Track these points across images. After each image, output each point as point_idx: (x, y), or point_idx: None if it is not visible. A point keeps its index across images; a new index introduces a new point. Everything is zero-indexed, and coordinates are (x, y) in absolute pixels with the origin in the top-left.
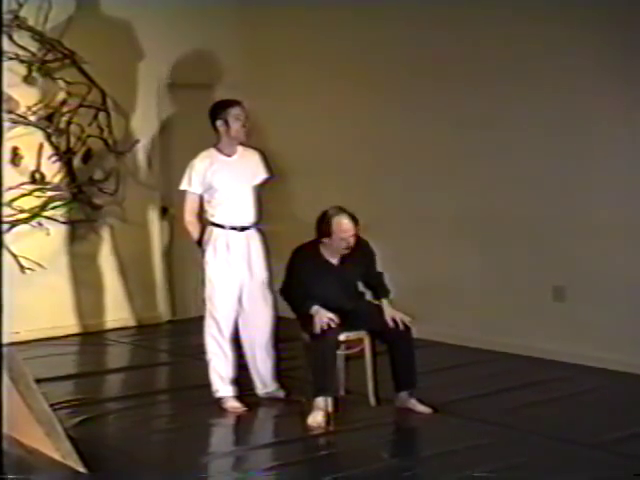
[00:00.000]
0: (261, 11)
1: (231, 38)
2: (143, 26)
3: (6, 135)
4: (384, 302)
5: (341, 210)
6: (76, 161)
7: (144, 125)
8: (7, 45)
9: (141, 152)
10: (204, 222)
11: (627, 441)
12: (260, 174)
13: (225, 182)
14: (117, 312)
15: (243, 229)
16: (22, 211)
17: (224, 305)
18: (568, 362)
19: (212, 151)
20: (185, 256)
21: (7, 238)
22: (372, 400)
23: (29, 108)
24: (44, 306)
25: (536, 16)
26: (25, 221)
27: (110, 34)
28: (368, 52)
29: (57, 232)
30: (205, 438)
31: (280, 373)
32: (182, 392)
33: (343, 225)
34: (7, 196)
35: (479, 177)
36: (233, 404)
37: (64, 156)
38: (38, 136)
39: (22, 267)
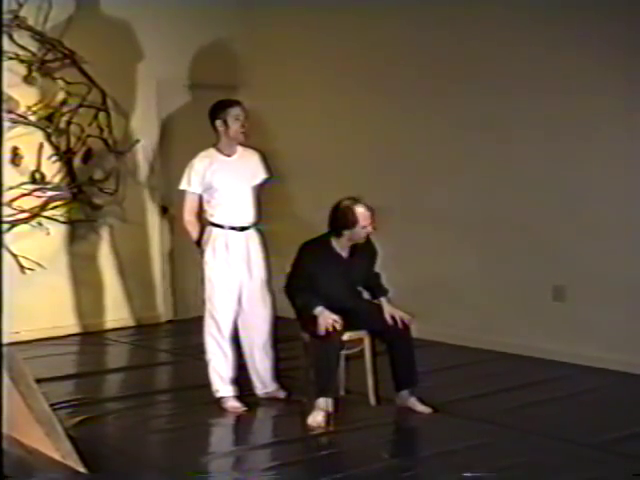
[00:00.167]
0: (262, 11)
1: (231, 38)
2: (143, 26)
3: (6, 135)
4: (383, 300)
5: (357, 200)
6: (76, 161)
7: (144, 125)
8: (7, 45)
9: (141, 152)
10: (203, 222)
11: (627, 441)
12: (259, 174)
13: (225, 182)
14: (117, 312)
15: (242, 229)
16: (22, 211)
17: (224, 305)
18: (568, 362)
19: (212, 151)
20: (185, 256)
21: (7, 238)
22: (372, 400)
23: (29, 108)
24: (44, 306)
25: (537, 16)
26: (25, 221)
27: (110, 34)
28: (369, 52)
29: (57, 232)
30: (205, 438)
31: (279, 373)
32: (182, 392)
33: (366, 214)
34: (7, 196)
35: (479, 177)
36: (233, 404)
37: (64, 156)
38: (38, 136)
39: (22, 267)
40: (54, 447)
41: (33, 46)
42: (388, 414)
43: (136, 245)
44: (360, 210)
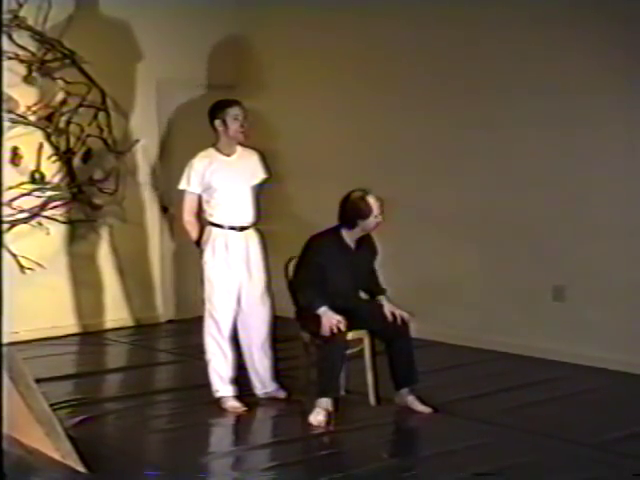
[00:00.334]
0: (262, 11)
1: (232, 38)
2: (143, 26)
3: (6, 135)
4: (383, 298)
5: (367, 191)
6: (76, 161)
7: (144, 125)
8: (7, 45)
9: (141, 152)
10: (203, 222)
11: (627, 441)
12: (259, 174)
13: (224, 182)
14: (117, 312)
15: (242, 229)
16: (22, 211)
17: (223, 305)
18: (568, 362)
19: (211, 151)
20: (185, 256)
21: (7, 238)
22: (372, 400)
23: (29, 108)
24: (44, 306)
25: (537, 16)
26: (25, 221)
27: (110, 34)
28: (369, 52)
29: (57, 232)
30: (205, 438)
31: (279, 373)
32: (182, 392)
33: (377, 203)
34: (7, 196)
35: (479, 177)
36: (233, 404)
37: (64, 156)
38: (38, 136)
39: (22, 267)
40: (54, 447)
41: (33, 46)
42: (388, 414)
43: (136, 245)
44: (372, 200)
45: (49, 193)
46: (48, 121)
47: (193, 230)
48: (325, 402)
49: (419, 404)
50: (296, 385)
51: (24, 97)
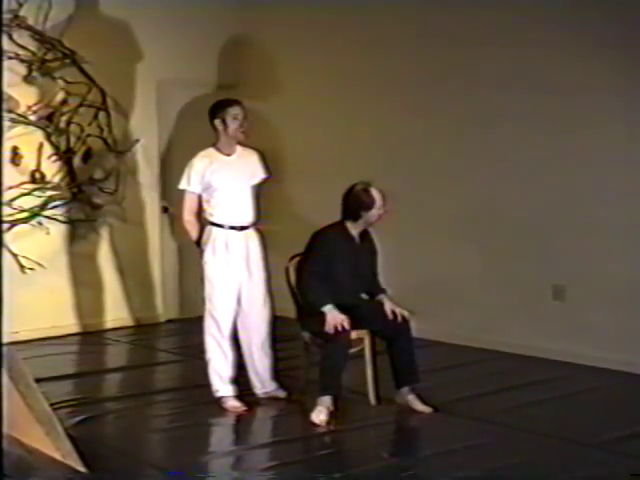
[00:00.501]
0: (262, 11)
1: (231, 38)
2: (143, 26)
3: (6, 135)
4: (383, 297)
5: (369, 183)
6: (76, 160)
7: (144, 125)
8: (7, 44)
9: (141, 152)
10: (203, 222)
11: (627, 441)
12: (259, 174)
13: (224, 181)
14: (117, 312)
15: (242, 229)
16: (22, 210)
17: (223, 305)
18: (568, 362)
19: (211, 150)
20: (185, 256)
21: (7, 237)
22: (372, 399)
23: (29, 107)
24: (44, 306)
25: (536, 17)
26: (25, 220)
27: (110, 34)
28: (370, 52)
29: (57, 232)
30: (205, 438)
31: (279, 373)
32: (182, 392)
33: (380, 195)
34: (7, 195)
35: (479, 177)
36: (233, 404)
37: (64, 155)
38: (38, 135)
39: (22, 267)
40: (54, 447)
41: (33, 46)
42: (388, 413)
43: (136, 245)
44: (375, 191)
45: (49, 193)
46: (48, 121)
47: (193, 230)
48: (327, 400)
49: (419, 403)
50: (296, 385)
51: (24, 97)
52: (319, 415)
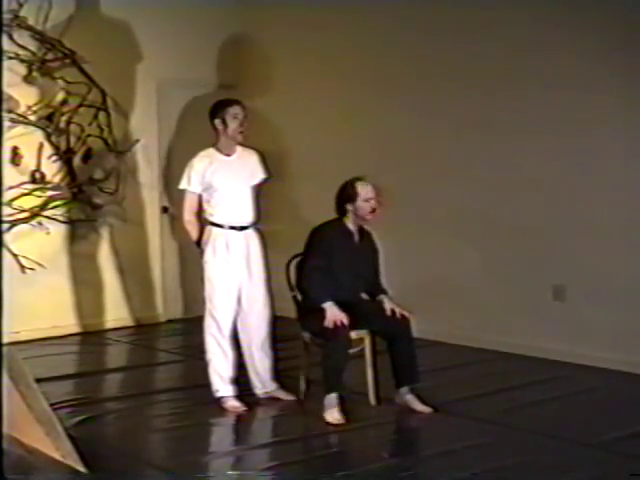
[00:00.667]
0: (261, 10)
1: (231, 38)
2: (143, 26)
3: (6, 135)
4: (384, 297)
5: (360, 177)
6: (76, 161)
7: (144, 125)
8: (7, 44)
9: (141, 152)
10: (203, 222)
11: (627, 441)
12: (259, 174)
13: (224, 181)
14: (117, 312)
15: (242, 229)
16: (22, 211)
17: (224, 305)
18: (568, 362)
19: (211, 150)
20: (185, 256)
21: (7, 238)
22: (372, 399)
23: (29, 107)
24: (44, 306)
25: (536, 17)
26: (25, 221)
27: (110, 34)
28: (370, 53)
29: (57, 232)
30: (205, 438)
31: (279, 373)
32: (182, 392)
33: (367, 188)
34: (7, 195)
35: (479, 177)
36: (233, 404)
37: (64, 156)
38: (38, 136)
39: (22, 267)
40: (54, 447)
41: (33, 46)
42: (388, 414)
43: (136, 245)
44: (363, 184)
45: (49, 193)
46: (48, 121)
47: (193, 230)
48: (334, 399)
49: (419, 404)
50: (296, 385)
51: (24, 97)
52: (332, 414)
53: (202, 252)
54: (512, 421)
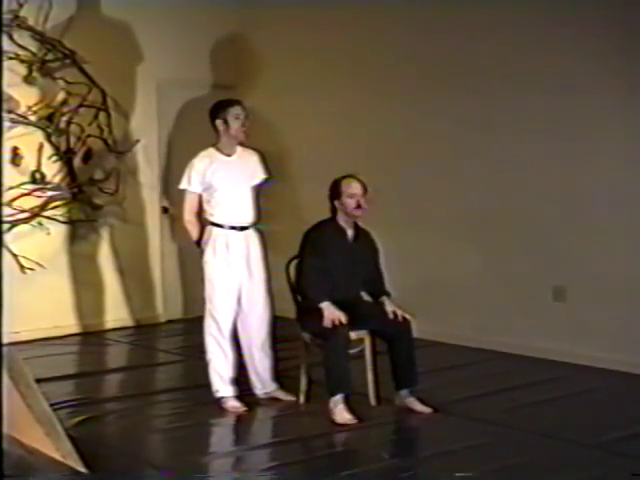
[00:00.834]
0: (261, 10)
1: (231, 38)
2: (143, 26)
3: (6, 135)
4: (385, 299)
5: (350, 175)
6: (76, 161)
7: (144, 125)
8: (7, 45)
9: (141, 152)
10: (203, 222)
11: (627, 441)
12: (259, 175)
13: (224, 182)
14: (117, 312)
15: (242, 229)
16: (22, 211)
17: (224, 305)
18: (568, 362)
19: (212, 151)
20: (185, 256)
21: (7, 238)
22: (372, 400)
23: (29, 108)
24: (44, 306)
25: (536, 17)
26: (25, 221)
27: (110, 34)
28: (369, 53)
29: (57, 232)
30: (205, 438)
31: (279, 373)
32: (182, 392)
33: (352, 184)
34: (7, 196)
35: (480, 177)
36: (233, 404)
37: (64, 156)
38: (38, 136)
39: (22, 267)
40: (54, 447)
41: (33, 46)
42: (388, 414)
43: (136, 245)
44: (348, 181)
45: (50, 193)
46: (49, 121)
47: (194, 230)
48: (340, 399)
49: (419, 404)
50: (296, 385)
51: (25, 97)
52: (342, 415)
53: (202, 252)
54: (512, 421)
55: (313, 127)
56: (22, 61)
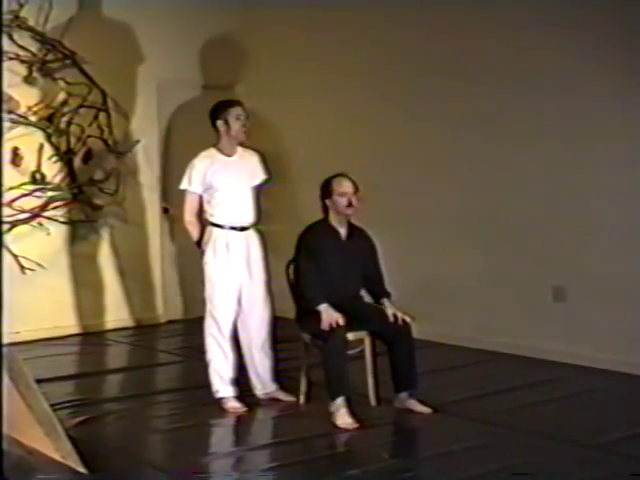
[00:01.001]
0: (262, 11)
1: (232, 38)
2: (143, 26)
3: (6, 135)
4: (386, 301)
5: (341, 174)
6: (76, 161)
7: (144, 125)
8: (7, 45)
9: (141, 152)
10: (204, 222)
11: (627, 441)
12: (259, 175)
13: (225, 182)
14: (117, 312)
15: (243, 229)
16: (22, 211)
17: (224, 305)
18: (568, 362)
19: (212, 151)
20: (185, 256)
21: (7, 238)
22: (372, 400)
23: (29, 108)
24: (44, 306)
25: (536, 16)
26: (25, 221)
27: (111, 34)
28: (368, 53)
29: (57, 232)
30: (205, 438)
31: (279, 374)
32: (182, 392)
33: (343, 182)
34: (7, 196)
35: (479, 177)
36: (233, 404)
37: (64, 156)
38: (38, 136)
39: (22, 267)
40: (54, 447)
41: (34, 46)
42: (388, 414)
43: (136, 246)
44: (338, 180)
45: (50, 193)
46: (49, 121)
47: (194, 230)
48: (341, 402)
49: (419, 405)
50: (296, 386)
51: (25, 97)
52: (343, 418)
53: (202, 253)
54: (512, 422)
55: (313, 127)
56: (22, 61)
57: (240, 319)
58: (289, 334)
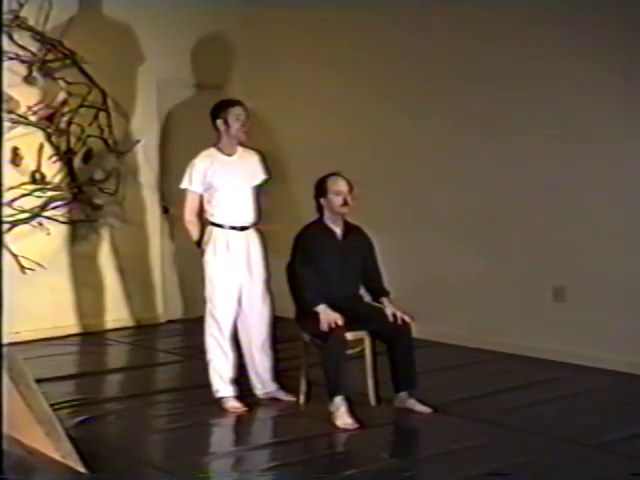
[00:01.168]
0: (262, 11)
1: (231, 38)
2: (143, 26)
3: (6, 135)
4: (385, 300)
5: (336, 172)
6: (76, 161)
7: (144, 125)
8: (7, 45)
9: (141, 152)
10: (204, 222)
11: (627, 441)
12: (259, 175)
13: (225, 182)
14: (117, 312)
15: (243, 229)
16: (23, 211)
17: (224, 305)
18: (568, 362)
19: (212, 150)
20: (185, 256)
21: (7, 238)
22: (372, 400)
23: (29, 108)
24: (44, 306)
25: (536, 16)
26: (25, 221)
27: (110, 34)
28: (369, 53)
29: (57, 232)
30: (205, 438)
31: (279, 373)
32: (182, 392)
33: (337, 181)
34: (7, 196)
35: (479, 177)
36: (233, 404)
37: (64, 156)
38: (38, 136)
39: (22, 267)
40: (54, 447)
41: (34, 46)
42: (388, 414)
43: (136, 245)
44: (333, 179)
45: (50, 193)
46: (49, 121)
47: (194, 230)
48: (340, 402)
49: (419, 404)
50: (296, 385)
51: (25, 97)
52: (343, 419)
53: (203, 252)
54: (512, 422)
55: (312, 127)
56: (22, 61)
57: (240, 319)
58: (289, 334)
